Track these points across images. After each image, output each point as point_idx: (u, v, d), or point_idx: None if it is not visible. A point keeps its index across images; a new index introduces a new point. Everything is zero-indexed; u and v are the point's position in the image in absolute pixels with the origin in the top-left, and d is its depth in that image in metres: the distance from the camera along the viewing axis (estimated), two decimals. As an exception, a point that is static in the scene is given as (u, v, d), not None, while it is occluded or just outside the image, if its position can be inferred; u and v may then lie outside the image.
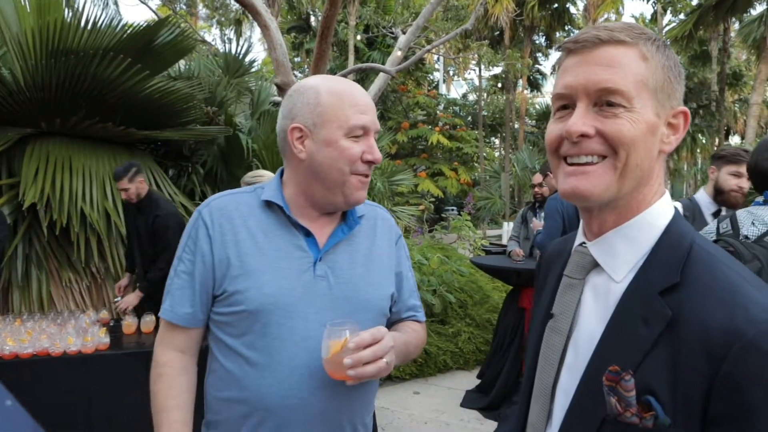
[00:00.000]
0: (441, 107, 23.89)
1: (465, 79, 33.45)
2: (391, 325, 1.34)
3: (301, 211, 1.25)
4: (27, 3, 4.73)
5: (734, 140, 27.58)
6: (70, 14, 4.83)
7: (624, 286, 0.78)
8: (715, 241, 2.01)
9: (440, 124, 21.78)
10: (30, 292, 4.24)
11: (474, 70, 26.52)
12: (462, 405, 4.36)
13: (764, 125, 26.68)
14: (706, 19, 14.97)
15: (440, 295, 5.36)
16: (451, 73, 34.42)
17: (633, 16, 26.87)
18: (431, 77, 26.54)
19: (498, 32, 21.02)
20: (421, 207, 10.25)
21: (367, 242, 1.30)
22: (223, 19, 22.83)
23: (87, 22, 4.44)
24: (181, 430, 1.19)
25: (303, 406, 1.17)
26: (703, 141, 23.87)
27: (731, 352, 0.65)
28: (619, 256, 0.80)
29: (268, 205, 1.24)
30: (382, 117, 18.46)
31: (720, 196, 2.95)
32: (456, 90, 36.56)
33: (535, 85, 25.99)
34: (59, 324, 3.32)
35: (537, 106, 29.38)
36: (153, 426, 1.23)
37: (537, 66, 25.37)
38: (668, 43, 0.75)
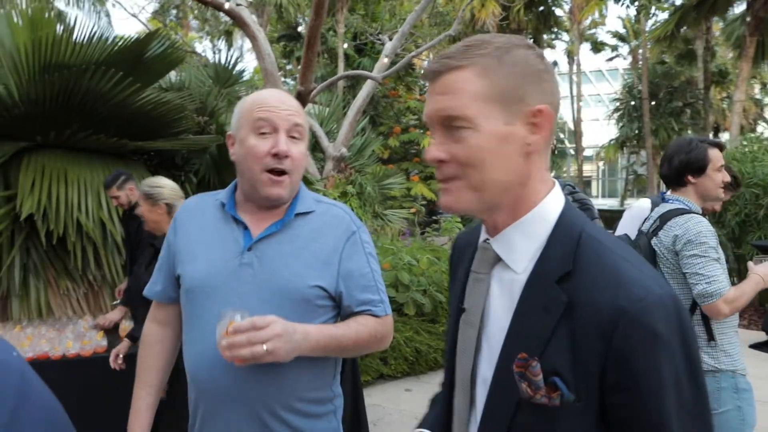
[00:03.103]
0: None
1: (456, 83, 33.62)
2: (345, 317, 1.39)
3: (243, 207, 1.41)
4: (19, 19, 4.86)
5: (723, 137, 27.86)
6: (62, 29, 4.97)
7: (525, 277, 0.84)
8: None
9: (432, 128, 21.90)
10: (28, 301, 4.35)
11: (464, 73, 26.69)
12: (452, 400, 4.48)
13: (753, 121, 26.92)
14: (688, 18, 15.22)
15: (430, 295, 5.49)
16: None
17: (619, 17, 27.21)
18: (422, 82, 26.73)
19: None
20: (413, 210, 10.39)
21: (306, 236, 1.36)
22: (213, 29, 22.97)
23: (79, 36, 4.57)
24: (140, 389, 1.52)
25: (215, 382, 1.30)
26: (692, 139, 24.08)
27: (618, 329, 0.74)
28: (518, 250, 0.86)
29: (222, 204, 1.42)
30: (373, 122, 18.60)
31: None
32: (447, 94, 36.68)
33: (524, 88, 26.17)
34: (58, 329, 3.44)
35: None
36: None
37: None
38: (523, 44, 0.84)
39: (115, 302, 4.19)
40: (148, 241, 3.17)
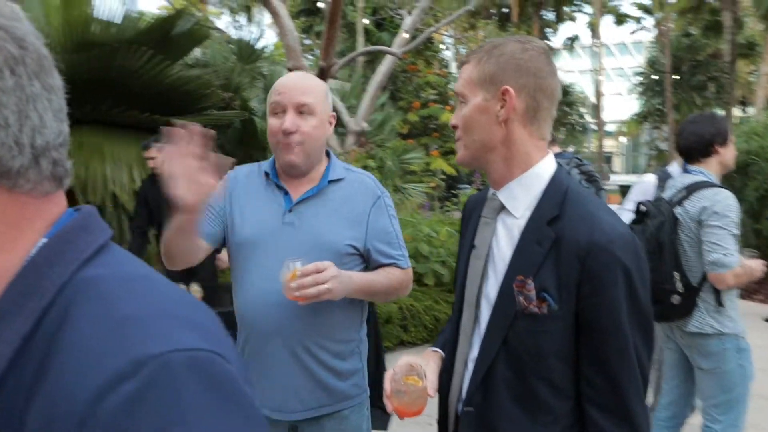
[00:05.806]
0: (452, 86, 23.88)
1: (475, 57, 33.18)
2: (373, 268, 1.62)
3: (282, 176, 1.62)
4: (53, -1, 5.04)
5: (750, 111, 27.16)
6: (93, 8, 5.13)
7: (524, 221, 1.11)
8: (639, 203, 2.48)
9: (451, 102, 21.81)
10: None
11: (484, 47, 26.35)
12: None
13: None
14: (716, -11, 14.80)
15: (449, 265, 5.65)
16: (462, 51, 34.26)
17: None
18: (441, 56, 26.47)
19: (506, 9, 20.95)
20: (432, 184, 10.50)
21: (338, 200, 1.59)
22: (234, 5, 22.97)
23: (107, 14, 4.74)
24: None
25: (261, 321, 1.52)
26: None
27: (590, 253, 1.01)
28: (518, 199, 1.12)
29: (266, 174, 1.63)
30: (393, 97, 18.62)
31: None
32: (467, 68, 36.29)
33: (545, 61, 25.79)
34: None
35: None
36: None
37: (546, 41, 25.23)
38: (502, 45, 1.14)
39: None
40: None
